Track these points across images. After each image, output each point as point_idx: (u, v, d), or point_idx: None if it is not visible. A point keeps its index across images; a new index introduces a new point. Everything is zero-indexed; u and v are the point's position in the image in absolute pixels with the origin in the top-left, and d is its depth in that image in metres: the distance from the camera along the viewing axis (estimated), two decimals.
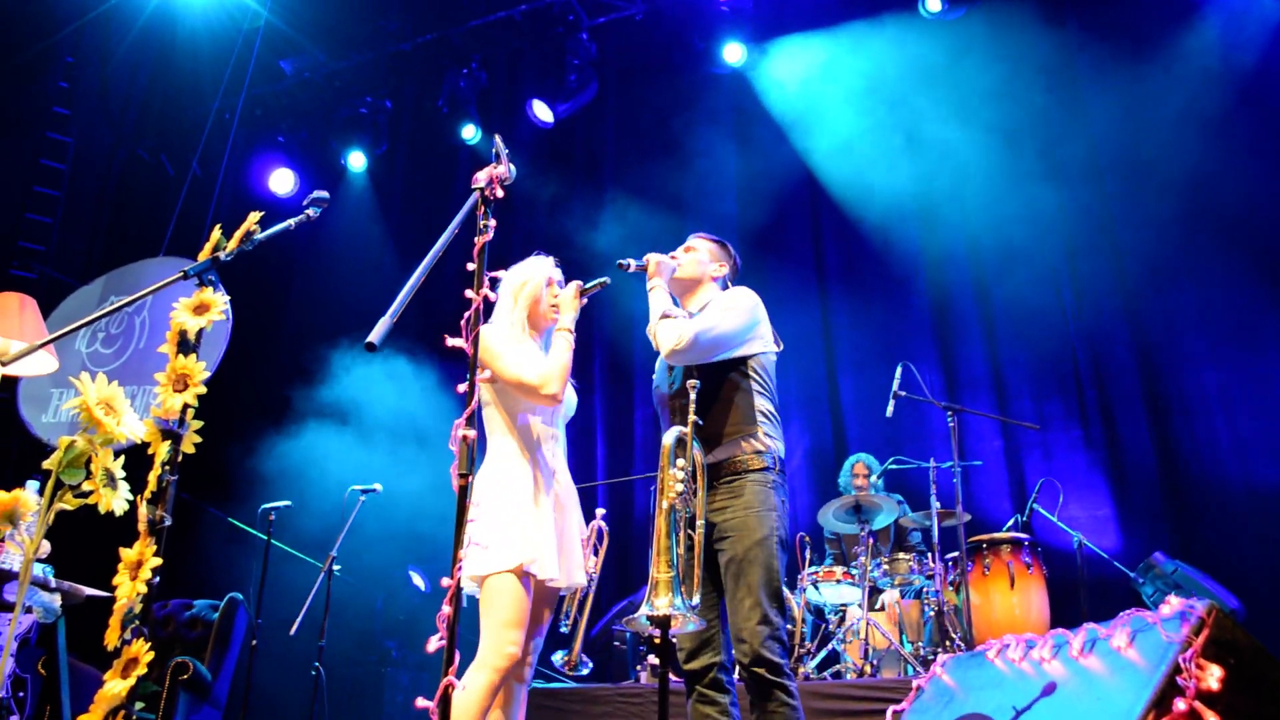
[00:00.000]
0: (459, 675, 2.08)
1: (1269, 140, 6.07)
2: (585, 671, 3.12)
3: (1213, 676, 1.54)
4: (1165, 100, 6.28)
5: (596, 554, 3.33)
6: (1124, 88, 6.48)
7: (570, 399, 3.39)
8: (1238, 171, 6.10)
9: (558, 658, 3.21)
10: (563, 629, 3.19)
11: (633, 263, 3.43)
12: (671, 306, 3.31)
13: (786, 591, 5.49)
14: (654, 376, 3.51)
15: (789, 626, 5.39)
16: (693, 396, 2.89)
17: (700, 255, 3.51)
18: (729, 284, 3.56)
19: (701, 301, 3.43)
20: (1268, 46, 6.17)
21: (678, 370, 3.28)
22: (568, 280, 3.36)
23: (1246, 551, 5.66)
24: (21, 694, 4.24)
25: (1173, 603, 1.68)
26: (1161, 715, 1.52)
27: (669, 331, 3.17)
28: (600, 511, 3.43)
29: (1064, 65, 6.81)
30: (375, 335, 1.75)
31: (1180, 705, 1.53)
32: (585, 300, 3.31)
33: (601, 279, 3.30)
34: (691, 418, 2.82)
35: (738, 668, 2.95)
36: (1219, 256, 6.09)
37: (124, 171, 8.18)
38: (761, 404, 3.20)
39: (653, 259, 3.42)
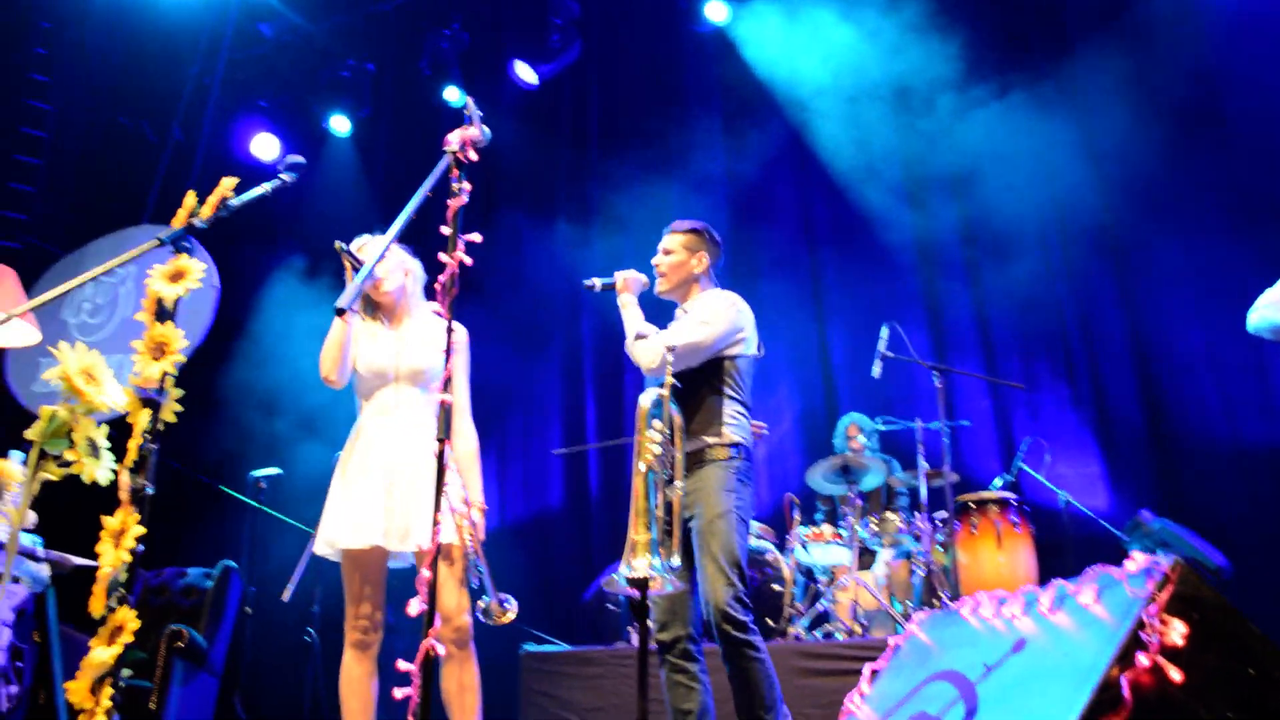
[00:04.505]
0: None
1: (1254, 93, 6.03)
2: (512, 612, 3.23)
3: (1176, 632, 1.56)
4: (1153, 53, 6.23)
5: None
6: (1114, 40, 6.43)
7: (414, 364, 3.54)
8: (1226, 126, 6.08)
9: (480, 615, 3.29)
10: (474, 586, 3.32)
11: (598, 282, 3.69)
12: (644, 324, 3.54)
13: (776, 553, 5.59)
14: None
15: (777, 587, 5.47)
16: (667, 394, 2.96)
17: (678, 256, 3.64)
18: (711, 274, 3.70)
19: (696, 300, 3.63)
20: None
21: None
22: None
23: (1234, 509, 5.68)
24: (20, 664, 4.27)
25: (1138, 558, 1.70)
26: (1125, 670, 1.54)
27: (646, 352, 3.42)
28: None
29: (1053, 20, 6.76)
30: (344, 299, 1.75)
31: (1143, 660, 1.55)
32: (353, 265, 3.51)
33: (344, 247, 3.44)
34: (669, 379, 2.86)
35: (713, 629, 3.18)
36: (1207, 213, 6.07)
37: (105, 139, 8.07)
38: (730, 406, 3.46)
39: (621, 276, 3.63)
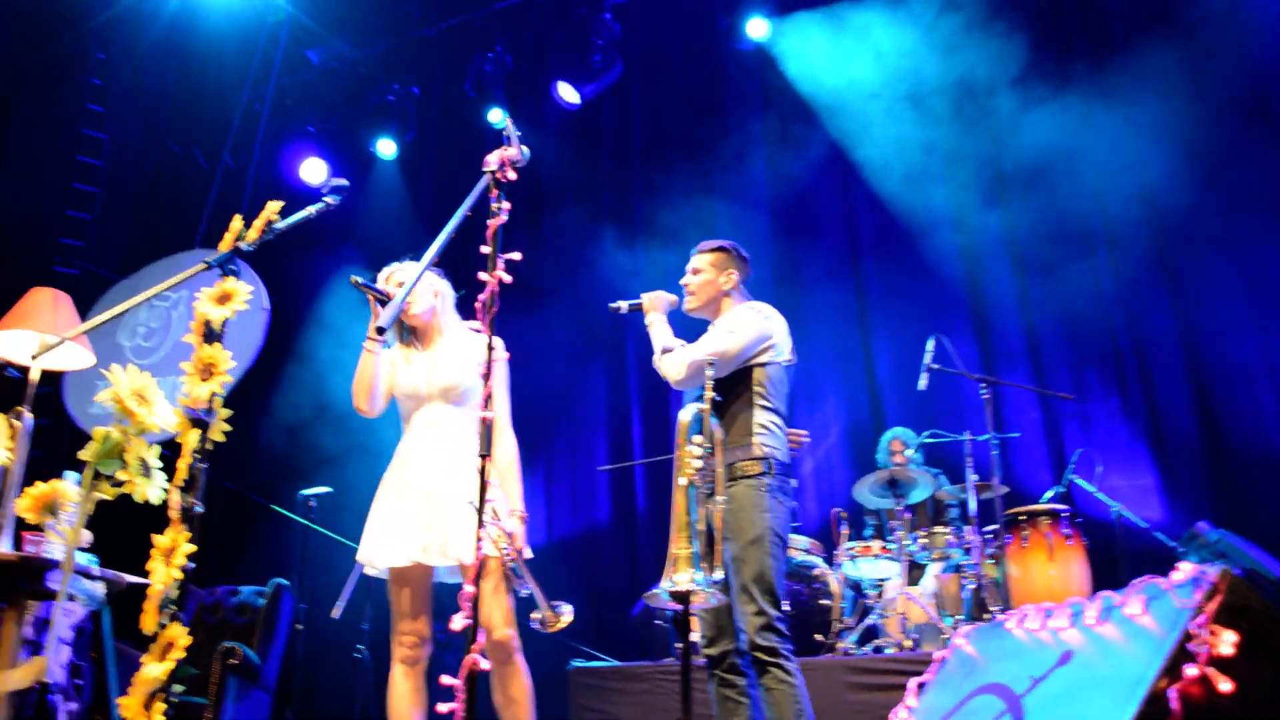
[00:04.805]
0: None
1: None
2: (567, 617, 3.20)
3: (1226, 642, 1.53)
4: (1205, 57, 6.13)
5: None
6: (1164, 50, 6.33)
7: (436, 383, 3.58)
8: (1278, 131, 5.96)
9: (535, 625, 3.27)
10: (522, 595, 3.32)
11: (624, 304, 3.75)
12: (671, 339, 3.58)
13: (825, 567, 5.56)
14: None
15: (826, 602, 5.43)
16: (707, 408, 2.95)
17: (706, 275, 3.66)
18: (742, 290, 3.70)
19: (726, 316, 3.63)
20: None
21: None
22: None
23: None
24: (79, 681, 4.35)
25: (1185, 568, 1.66)
26: (1173, 682, 1.51)
27: (671, 365, 3.48)
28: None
29: (1102, 29, 6.67)
30: (384, 319, 1.78)
31: (1192, 671, 1.51)
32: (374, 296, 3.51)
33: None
34: (709, 394, 2.86)
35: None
36: (1261, 218, 5.94)
37: (158, 166, 8.27)
38: (762, 415, 3.41)
39: (647, 296, 3.69)
